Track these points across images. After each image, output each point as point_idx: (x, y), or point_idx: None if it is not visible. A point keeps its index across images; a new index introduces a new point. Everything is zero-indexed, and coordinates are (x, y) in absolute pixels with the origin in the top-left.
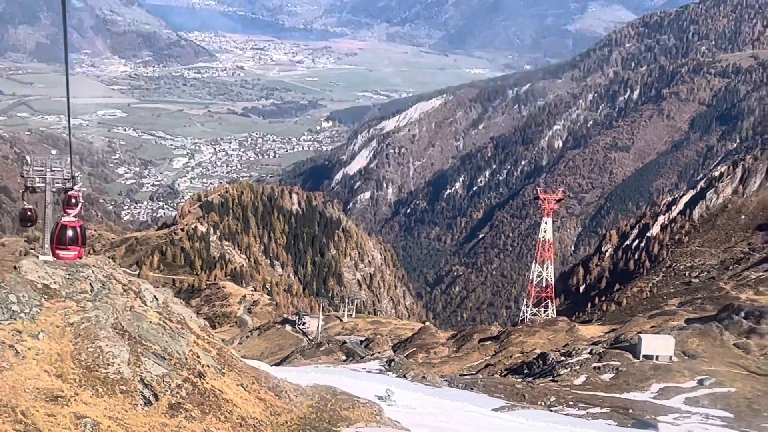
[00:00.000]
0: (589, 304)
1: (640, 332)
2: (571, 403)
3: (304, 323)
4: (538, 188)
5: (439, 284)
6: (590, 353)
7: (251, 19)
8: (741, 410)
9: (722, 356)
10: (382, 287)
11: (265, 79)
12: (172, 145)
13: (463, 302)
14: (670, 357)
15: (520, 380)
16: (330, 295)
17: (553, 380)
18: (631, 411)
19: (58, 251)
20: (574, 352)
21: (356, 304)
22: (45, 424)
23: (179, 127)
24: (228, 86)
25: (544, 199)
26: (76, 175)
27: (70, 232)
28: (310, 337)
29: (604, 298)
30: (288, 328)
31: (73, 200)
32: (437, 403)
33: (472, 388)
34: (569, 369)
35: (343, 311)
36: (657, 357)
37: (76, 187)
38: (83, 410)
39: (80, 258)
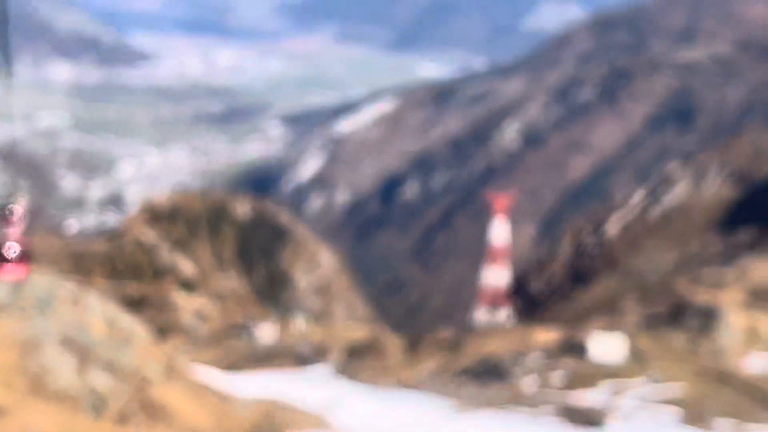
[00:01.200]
0: (544, 307)
1: (592, 333)
2: (522, 404)
3: (256, 330)
4: (490, 190)
5: (394, 289)
6: (542, 355)
7: (197, 21)
8: (690, 409)
9: (672, 356)
10: (335, 293)
11: (212, 83)
12: (118, 152)
13: (419, 307)
14: (621, 357)
15: (472, 384)
16: (282, 302)
17: (505, 383)
18: (581, 411)
19: (1, 269)
20: (526, 354)
21: (309, 311)
22: None
23: (126, 133)
24: (175, 90)
25: (495, 200)
26: (19, 186)
27: (13, 249)
28: (262, 344)
29: (558, 300)
30: (240, 335)
31: (16, 214)
32: (388, 407)
33: (424, 392)
34: (521, 371)
35: (296, 318)
36: (608, 357)
37: (18, 200)
38: (31, 421)
39: (26, 275)
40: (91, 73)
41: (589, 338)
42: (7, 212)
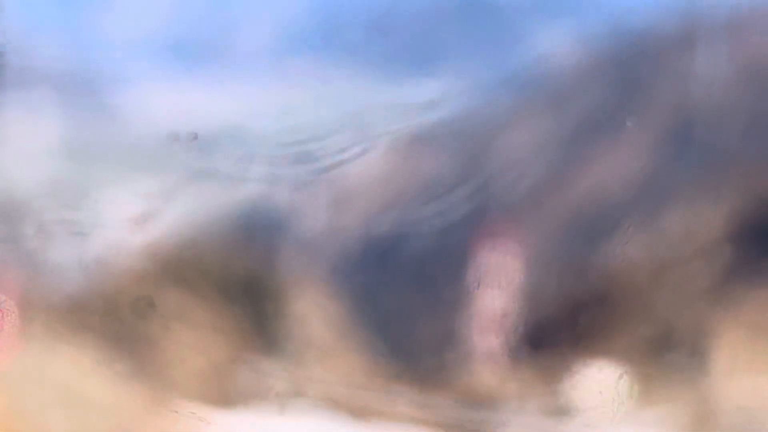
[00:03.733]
0: (542, 342)
1: (587, 366)
2: None
3: (256, 367)
4: (487, 227)
5: (401, 337)
6: (532, 384)
7: (185, 56)
8: None
9: (667, 386)
10: (341, 345)
11: (202, 129)
12: (113, 190)
13: (423, 343)
14: (614, 390)
15: (460, 413)
16: (284, 340)
17: (494, 412)
18: None
19: None
20: (518, 392)
21: (311, 347)
22: None
23: (120, 171)
24: (163, 137)
25: (490, 233)
26: (5, 234)
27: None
28: (262, 380)
29: (554, 331)
30: (240, 372)
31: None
32: None
33: (419, 425)
34: (512, 400)
35: (298, 355)
36: (600, 391)
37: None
38: None
39: (11, 348)
40: (81, 109)
41: (582, 371)
42: None
